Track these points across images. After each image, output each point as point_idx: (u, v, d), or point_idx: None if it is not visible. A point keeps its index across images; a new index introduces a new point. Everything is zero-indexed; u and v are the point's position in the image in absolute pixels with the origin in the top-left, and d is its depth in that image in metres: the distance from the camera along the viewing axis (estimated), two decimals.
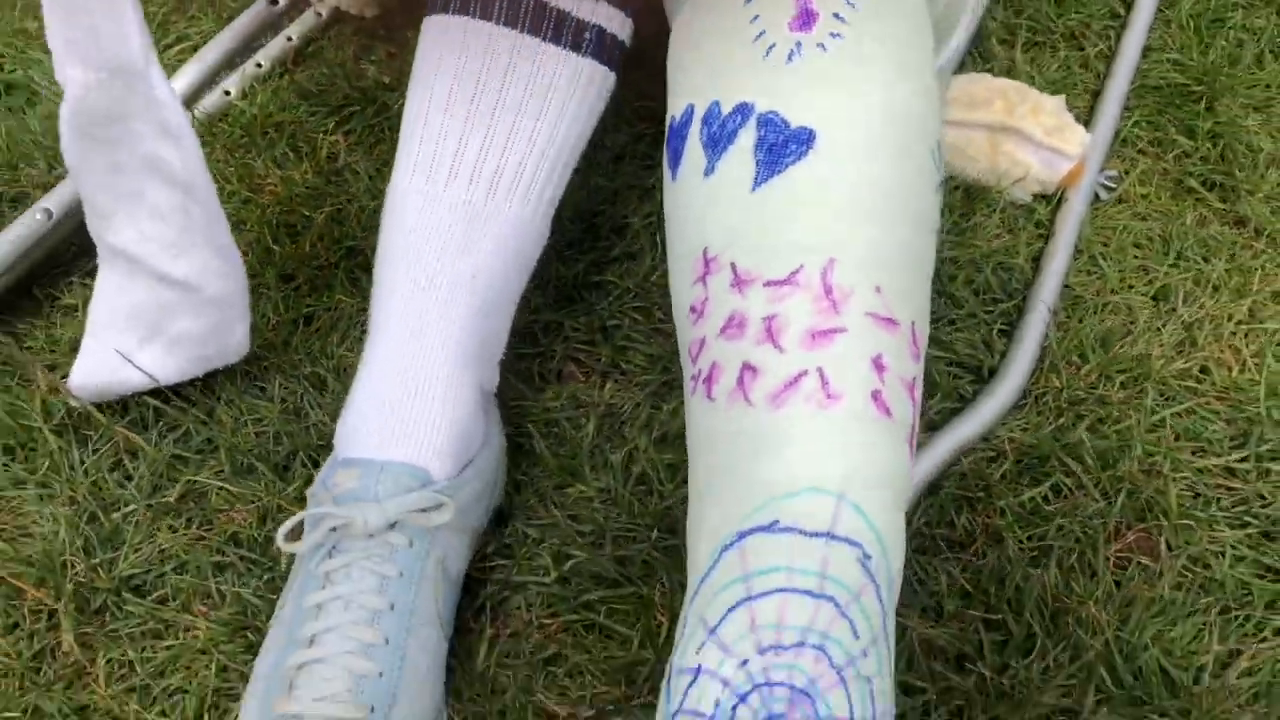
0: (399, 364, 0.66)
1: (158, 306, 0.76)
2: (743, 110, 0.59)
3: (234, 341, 0.78)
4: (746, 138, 0.58)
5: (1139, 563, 0.72)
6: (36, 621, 0.69)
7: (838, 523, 0.53)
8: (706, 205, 0.59)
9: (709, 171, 0.60)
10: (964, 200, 0.97)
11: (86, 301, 0.80)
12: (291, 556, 0.69)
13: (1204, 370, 0.84)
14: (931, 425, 0.80)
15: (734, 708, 0.49)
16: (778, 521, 0.53)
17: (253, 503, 0.75)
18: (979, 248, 0.92)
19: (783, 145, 0.58)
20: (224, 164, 0.97)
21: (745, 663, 0.50)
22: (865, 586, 0.53)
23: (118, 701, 0.66)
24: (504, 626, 0.71)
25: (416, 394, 0.66)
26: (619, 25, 0.70)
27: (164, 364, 0.77)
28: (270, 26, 0.98)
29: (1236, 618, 0.70)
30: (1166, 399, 0.82)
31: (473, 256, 0.67)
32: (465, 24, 0.67)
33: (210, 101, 1.04)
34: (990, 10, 1.15)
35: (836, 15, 0.59)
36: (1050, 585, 0.70)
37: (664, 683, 0.54)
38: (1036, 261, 0.92)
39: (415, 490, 0.63)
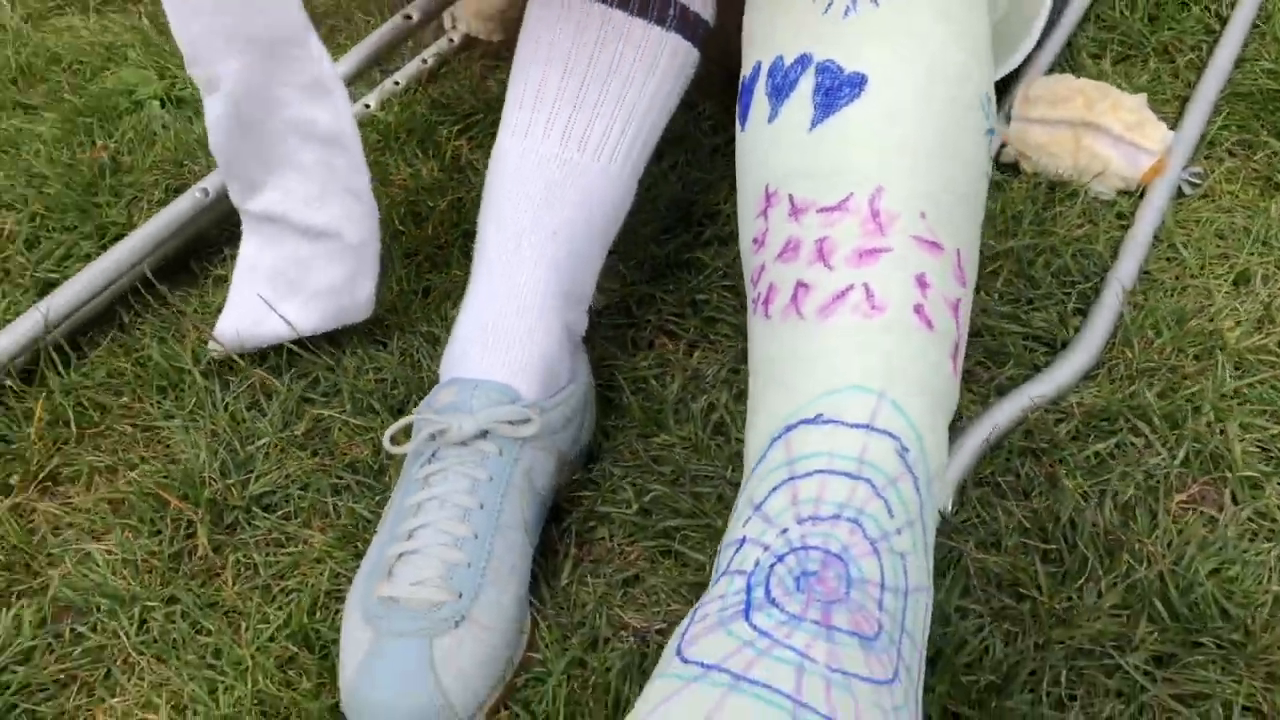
0: (493, 302, 0.74)
1: (297, 262, 0.86)
2: (803, 60, 0.65)
3: (362, 298, 0.87)
4: (806, 84, 0.65)
5: (1202, 512, 0.74)
6: (177, 529, 0.78)
7: (877, 416, 0.58)
8: (770, 147, 0.66)
9: (772, 117, 0.66)
10: (1047, 193, 1.00)
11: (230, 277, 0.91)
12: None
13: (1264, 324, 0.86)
14: (1002, 390, 0.84)
15: (771, 566, 0.54)
16: (822, 415, 0.59)
17: (369, 436, 0.83)
18: (1059, 234, 0.96)
19: (837, 89, 0.64)
20: None
21: (785, 531, 0.55)
22: (902, 475, 0.57)
23: (242, 598, 0.74)
24: (588, 550, 0.77)
25: (507, 326, 0.73)
26: (700, 4, 0.77)
27: (300, 317, 0.86)
28: (404, 38, 1.09)
29: None
30: (1240, 370, 0.84)
31: (561, 208, 0.75)
32: (563, 1, 0.75)
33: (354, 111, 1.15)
34: (1081, 27, 1.20)
35: None
36: (1106, 522, 0.72)
37: (715, 558, 0.59)
38: (1116, 249, 0.95)
39: (504, 405, 0.70)
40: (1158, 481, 0.76)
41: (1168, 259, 0.94)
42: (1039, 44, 1.12)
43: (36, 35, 1.36)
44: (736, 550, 0.56)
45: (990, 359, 0.87)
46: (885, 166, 0.62)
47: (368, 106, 1.17)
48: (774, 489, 0.57)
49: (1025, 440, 0.79)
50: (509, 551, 0.69)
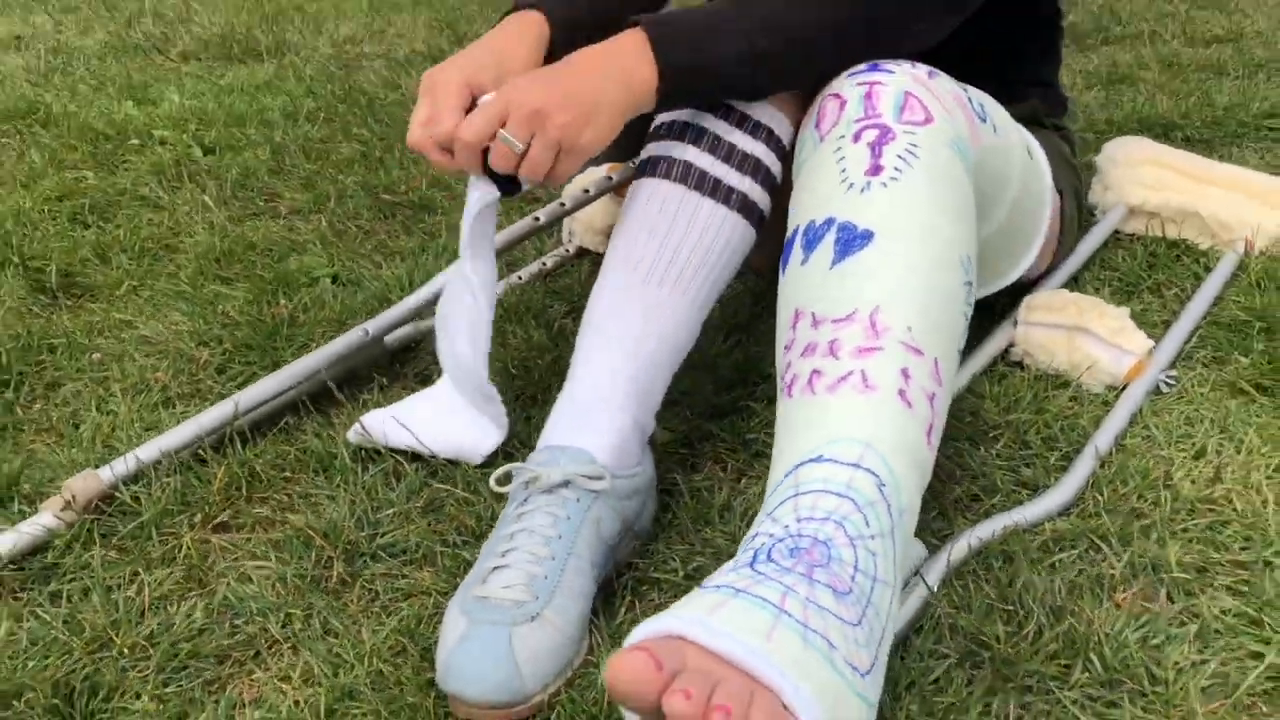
0: (581, 390, 0.97)
1: (450, 410, 1.11)
2: (828, 222, 0.90)
3: (484, 448, 1.10)
4: (829, 237, 0.89)
5: (1141, 605, 0.91)
6: (317, 561, 0.99)
7: (863, 459, 0.78)
8: (801, 281, 0.89)
9: (804, 261, 0.90)
10: (1045, 383, 1.21)
11: (377, 403, 1.16)
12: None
13: (1226, 498, 1.03)
14: (989, 514, 1.02)
15: (772, 547, 0.73)
16: (822, 456, 0.79)
17: (475, 509, 1.04)
18: (1051, 412, 1.16)
19: (852, 240, 0.88)
20: None
21: (786, 527, 0.75)
22: (879, 501, 0.77)
23: (363, 611, 0.94)
24: (639, 601, 0.95)
25: (591, 409, 0.96)
26: (759, 196, 1.03)
27: (431, 438, 1.10)
28: (530, 234, 1.38)
29: (1216, 644, 0.86)
30: (1190, 513, 1.01)
31: (643, 324, 0.98)
32: (653, 183, 1.02)
33: None
34: (1087, 267, 1.44)
35: (896, 168, 0.90)
36: (1056, 595, 0.89)
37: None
38: (1098, 426, 1.14)
39: (584, 464, 0.92)
40: (1105, 579, 0.93)
41: (1142, 436, 1.13)
42: (1048, 273, 1.35)
43: (236, 230, 1.69)
44: (749, 542, 0.75)
45: (984, 494, 1.06)
46: (883, 293, 0.85)
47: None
48: (781, 503, 0.77)
49: (1002, 545, 0.97)
50: (578, 576, 0.89)
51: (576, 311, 1.40)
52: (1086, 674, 0.83)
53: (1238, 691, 0.82)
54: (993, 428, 1.15)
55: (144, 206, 1.79)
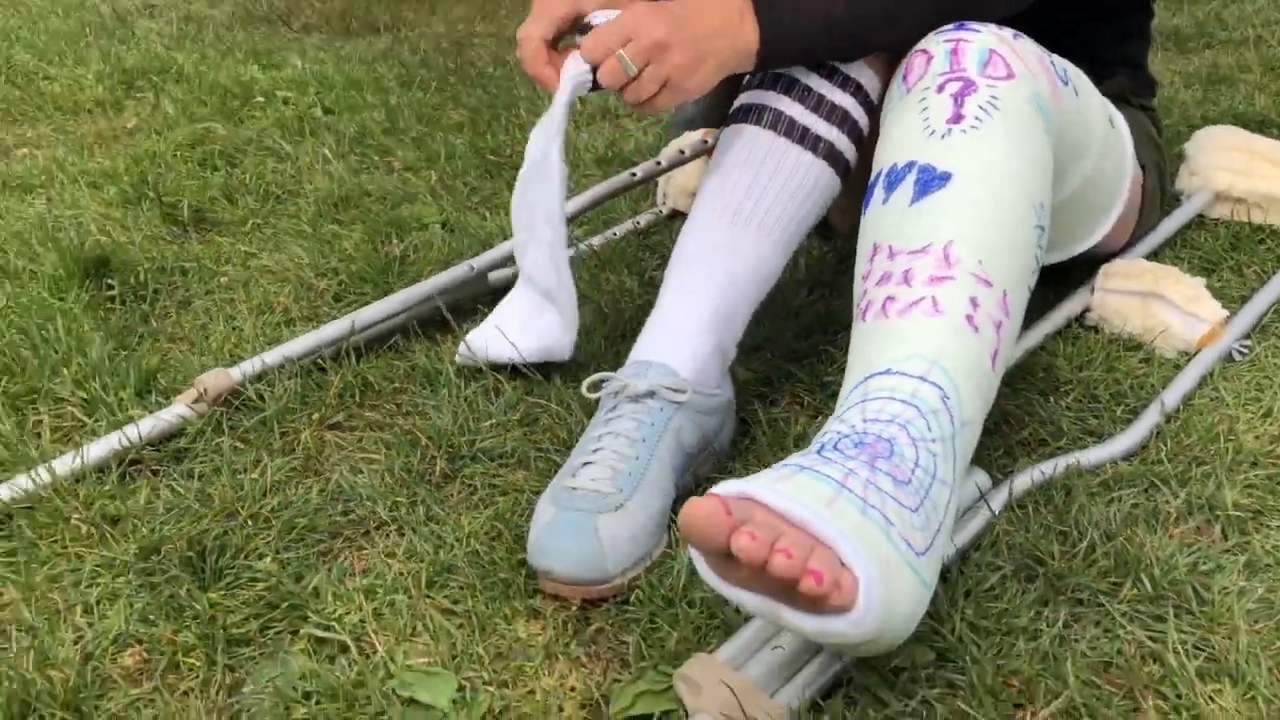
0: (669, 313, 1.05)
1: (531, 310, 1.18)
2: (909, 165, 0.96)
3: (567, 344, 1.17)
4: (910, 178, 0.95)
5: (1194, 537, 0.95)
6: (422, 459, 1.08)
7: (929, 373, 0.84)
8: (881, 218, 0.95)
9: (885, 200, 0.96)
10: (1119, 346, 1.26)
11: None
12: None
13: (1276, 439, 1.07)
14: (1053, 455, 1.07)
15: (838, 441, 0.79)
16: (890, 369, 0.85)
17: (567, 422, 1.12)
18: (1121, 371, 1.21)
19: (930, 181, 0.94)
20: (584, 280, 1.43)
21: (853, 426, 0.81)
22: (942, 410, 0.83)
23: (462, 502, 1.03)
24: None
25: (676, 329, 1.03)
26: (845, 145, 1.10)
27: (525, 346, 1.18)
28: (627, 188, 1.46)
29: (1264, 575, 0.91)
30: (1252, 465, 1.05)
31: (729, 258, 1.05)
32: (743, 128, 1.09)
33: (578, 250, 1.51)
34: (1168, 242, 1.47)
35: (977, 117, 0.96)
36: (1111, 521, 0.94)
37: None
38: (1167, 386, 1.18)
39: (667, 377, 1.00)
40: (1160, 513, 0.97)
41: (1210, 397, 1.17)
42: (1128, 247, 1.39)
43: (353, 180, 1.80)
44: (818, 439, 0.82)
45: (1050, 439, 1.11)
46: (956, 229, 0.91)
47: (591, 246, 1.53)
48: (849, 408, 0.84)
49: (1064, 480, 1.02)
50: (659, 476, 0.96)
51: (667, 263, 1.47)
52: (1135, 590, 0.88)
53: None
54: (1064, 383, 1.20)
55: (268, 155, 1.92)
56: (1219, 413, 1.14)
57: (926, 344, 0.86)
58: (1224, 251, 1.46)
